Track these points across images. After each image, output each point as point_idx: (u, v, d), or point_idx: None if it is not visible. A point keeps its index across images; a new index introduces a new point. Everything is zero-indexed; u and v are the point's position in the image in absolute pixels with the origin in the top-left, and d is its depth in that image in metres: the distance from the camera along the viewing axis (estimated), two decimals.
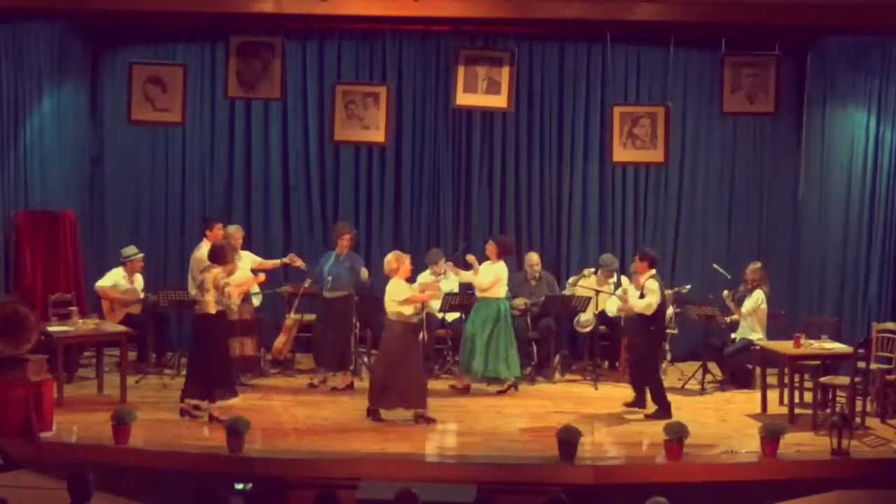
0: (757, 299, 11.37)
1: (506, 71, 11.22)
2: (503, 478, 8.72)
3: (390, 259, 10.18)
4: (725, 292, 11.63)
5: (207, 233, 11.55)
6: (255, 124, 13.07)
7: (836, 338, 10.64)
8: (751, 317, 11.38)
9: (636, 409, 10.48)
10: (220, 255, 10.00)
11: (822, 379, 10.23)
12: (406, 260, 10.21)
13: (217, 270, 9.86)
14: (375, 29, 12.15)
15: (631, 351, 10.94)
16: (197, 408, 9.88)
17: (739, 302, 11.53)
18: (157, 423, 9.76)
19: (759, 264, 11.69)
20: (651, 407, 10.37)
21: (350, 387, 11.13)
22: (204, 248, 11.00)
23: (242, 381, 10.92)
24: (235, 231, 11.71)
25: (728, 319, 11.53)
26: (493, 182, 13.09)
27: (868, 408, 9.97)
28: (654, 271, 10.43)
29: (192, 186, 13.13)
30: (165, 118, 11.42)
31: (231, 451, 8.86)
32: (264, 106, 12.81)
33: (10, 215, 11.20)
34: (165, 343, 12.26)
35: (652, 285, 10.30)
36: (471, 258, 11.30)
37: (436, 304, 11.53)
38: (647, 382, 10.46)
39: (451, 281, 11.87)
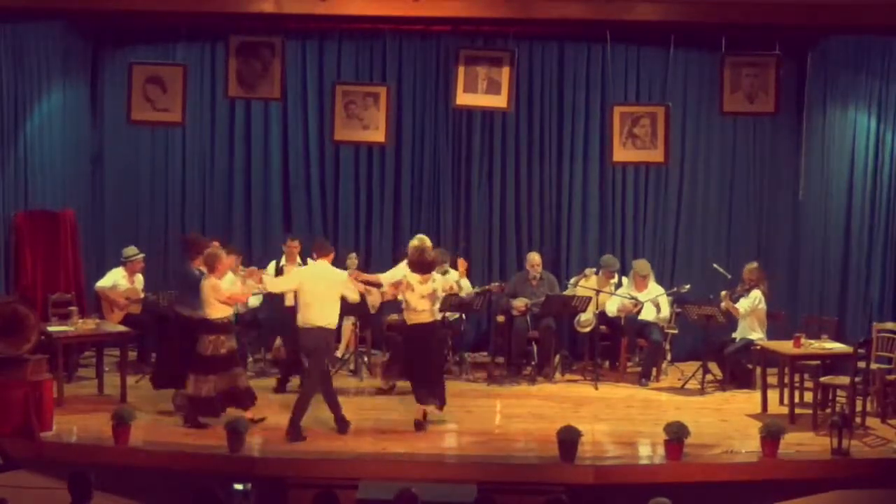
0: (754, 299, 11.37)
1: (506, 71, 11.21)
2: (503, 478, 8.72)
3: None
4: (723, 293, 11.63)
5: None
6: (255, 124, 13.07)
7: (836, 338, 10.65)
8: (750, 316, 11.39)
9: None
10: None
11: (822, 379, 10.24)
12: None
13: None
14: (375, 29, 12.13)
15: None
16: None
17: (736, 302, 11.52)
18: (157, 423, 9.77)
19: (755, 264, 11.70)
20: None
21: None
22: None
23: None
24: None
25: (723, 311, 11.50)
26: (493, 182, 13.09)
27: (868, 408, 9.97)
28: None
29: (192, 186, 13.13)
30: (165, 118, 11.40)
31: (231, 451, 8.87)
32: (264, 106, 12.81)
33: (10, 215, 11.19)
34: None
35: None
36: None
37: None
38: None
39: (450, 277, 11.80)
